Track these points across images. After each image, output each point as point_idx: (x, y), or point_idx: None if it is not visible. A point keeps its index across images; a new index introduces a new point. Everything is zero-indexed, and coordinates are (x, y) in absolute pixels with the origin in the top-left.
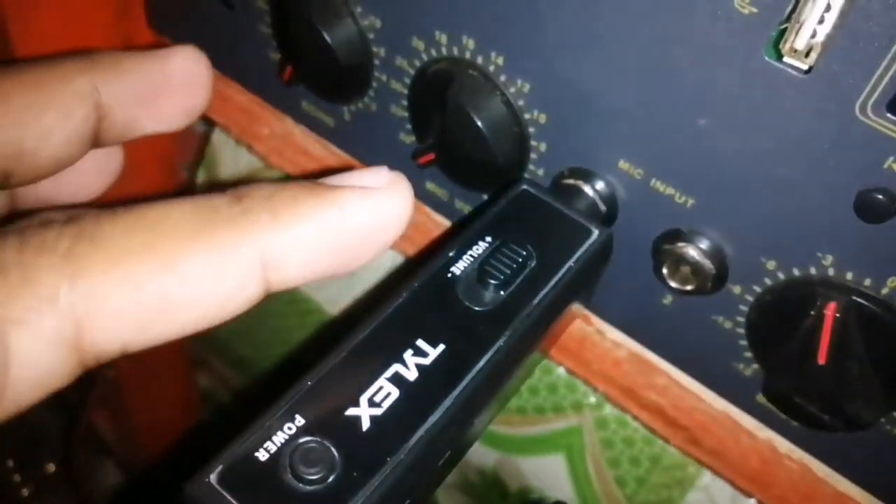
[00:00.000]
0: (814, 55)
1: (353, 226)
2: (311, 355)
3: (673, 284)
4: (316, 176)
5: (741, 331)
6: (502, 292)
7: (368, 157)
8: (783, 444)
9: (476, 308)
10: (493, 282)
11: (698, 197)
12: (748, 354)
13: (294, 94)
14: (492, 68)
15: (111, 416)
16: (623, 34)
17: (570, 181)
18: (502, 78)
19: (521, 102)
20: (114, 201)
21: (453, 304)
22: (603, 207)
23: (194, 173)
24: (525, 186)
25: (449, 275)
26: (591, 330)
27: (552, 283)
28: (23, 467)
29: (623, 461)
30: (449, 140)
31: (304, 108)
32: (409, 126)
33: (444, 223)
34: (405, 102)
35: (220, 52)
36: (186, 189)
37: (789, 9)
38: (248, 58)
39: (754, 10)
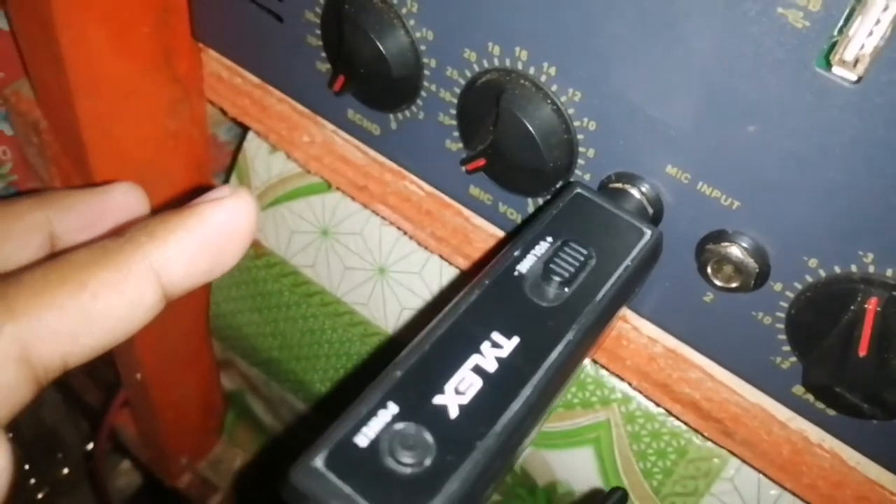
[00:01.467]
0: (862, 66)
1: (213, 229)
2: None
3: (717, 283)
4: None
5: (781, 326)
6: (566, 289)
7: (414, 163)
8: (815, 434)
9: (544, 304)
10: (557, 279)
11: (744, 199)
12: (786, 348)
13: (340, 103)
14: (543, 78)
15: (135, 419)
16: (677, 46)
17: (618, 185)
18: (554, 87)
19: (571, 111)
20: (152, 210)
21: (522, 300)
22: (650, 209)
23: (226, 181)
24: (579, 190)
25: (516, 273)
26: (627, 327)
27: (612, 280)
28: (38, 470)
29: (650, 454)
30: (500, 147)
31: (349, 117)
32: (455, 134)
33: (484, 226)
34: (454, 111)
35: (265, 62)
36: None
37: (840, 23)
38: (295, 68)
39: (807, 23)
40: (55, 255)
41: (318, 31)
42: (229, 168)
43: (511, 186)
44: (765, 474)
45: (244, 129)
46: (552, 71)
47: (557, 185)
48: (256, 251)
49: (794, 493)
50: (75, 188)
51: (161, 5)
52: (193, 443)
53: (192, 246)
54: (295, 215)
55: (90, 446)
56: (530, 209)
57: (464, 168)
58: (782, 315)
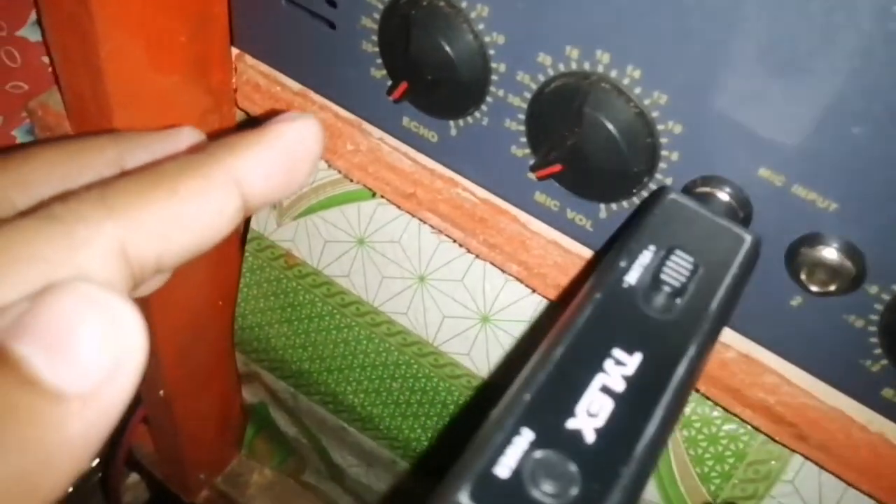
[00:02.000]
0: None
1: (287, 146)
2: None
3: (813, 288)
4: None
5: (873, 328)
6: (678, 300)
7: (474, 170)
8: None
9: (659, 317)
10: (668, 290)
11: (843, 201)
12: (878, 351)
13: (395, 110)
14: (626, 81)
15: (153, 436)
16: (776, 46)
17: (705, 189)
18: (637, 90)
19: (655, 114)
20: None
21: (636, 313)
22: (740, 213)
23: None
24: (673, 195)
25: (625, 285)
26: None
27: (722, 290)
28: None
29: (707, 459)
30: (579, 152)
31: (404, 125)
32: (522, 139)
33: (543, 232)
34: (522, 116)
35: (311, 69)
36: None
37: None
38: (346, 75)
39: None
40: None
41: (375, 38)
42: None
43: (584, 192)
44: (841, 478)
45: None
46: (636, 74)
47: (634, 191)
48: (288, 261)
49: (872, 496)
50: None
51: (199, 13)
52: (211, 458)
53: (268, 160)
54: (329, 224)
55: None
56: (602, 215)
57: (533, 175)
58: (875, 318)
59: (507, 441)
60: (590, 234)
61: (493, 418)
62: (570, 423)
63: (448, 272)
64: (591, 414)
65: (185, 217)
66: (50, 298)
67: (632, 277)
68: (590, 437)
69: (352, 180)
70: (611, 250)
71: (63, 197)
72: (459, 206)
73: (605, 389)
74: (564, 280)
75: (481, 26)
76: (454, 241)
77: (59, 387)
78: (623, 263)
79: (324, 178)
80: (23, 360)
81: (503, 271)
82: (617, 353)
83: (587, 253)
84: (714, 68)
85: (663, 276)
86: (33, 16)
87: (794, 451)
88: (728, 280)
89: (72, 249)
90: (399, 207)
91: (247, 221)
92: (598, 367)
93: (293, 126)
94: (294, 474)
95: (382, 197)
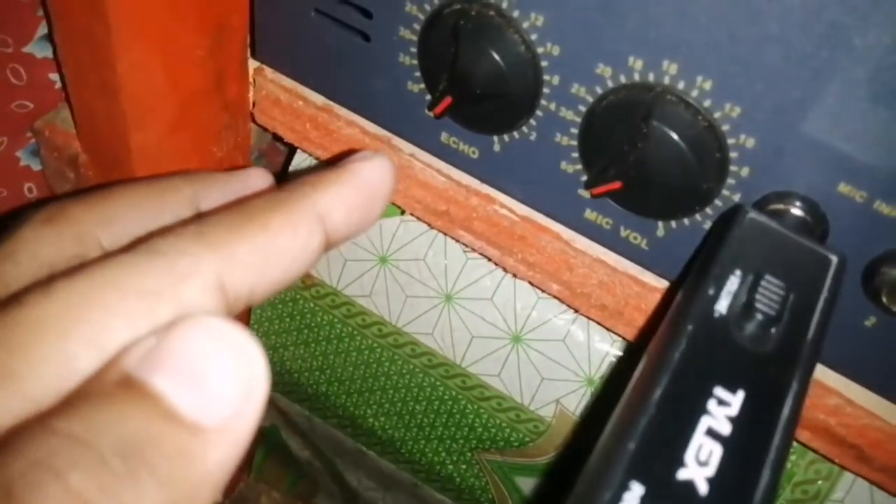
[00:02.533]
0: None
1: (365, 183)
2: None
3: (894, 308)
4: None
5: None
6: (773, 329)
7: (519, 187)
8: None
9: (757, 349)
10: (761, 318)
11: None
12: None
13: (434, 125)
14: (695, 93)
15: None
16: (860, 56)
17: (779, 206)
18: (707, 103)
19: (726, 127)
20: None
21: (731, 345)
22: (817, 230)
23: None
24: (752, 214)
25: (716, 315)
26: None
27: (816, 315)
28: None
29: None
30: (641, 168)
31: (442, 140)
32: (574, 155)
33: (588, 250)
34: (575, 131)
35: (341, 82)
36: None
37: None
38: (380, 89)
39: None
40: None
41: (414, 50)
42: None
43: (643, 209)
44: None
45: (289, 152)
46: (707, 85)
47: (697, 207)
48: (305, 281)
49: None
50: (216, 171)
51: (216, 25)
52: None
53: (349, 197)
54: (349, 242)
55: None
56: (660, 233)
57: (586, 192)
58: None
59: (616, 498)
60: (645, 254)
61: (594, 469)
62: (681, 474)
63: (476, 290)
64: (700, 462)
65: (276, 251)
66: (181, 333)
67: (722, 306)
68: (703, 488)
69: None
70: (689, 276)
71: (161, 233)
72: (497, 224)
73: (712, 433)
74: (610, 299)
75: (534, 36)
76: (489, 259)
77: (199, 419)
78: (711, 291)
79: None
80: (162, 395)
81: (542, 290)
82: (719, 391)
83: (634, 271)
84: (791, 79)
85: (758, 305)
86: (41, 30)
87: (856, 474)
88: (820, 305)
89: (176, 282)
90: (430, 226)
91: None
92: (703, 409)
93: (371, 164)
94: (305, 498)
95: (412, 215)
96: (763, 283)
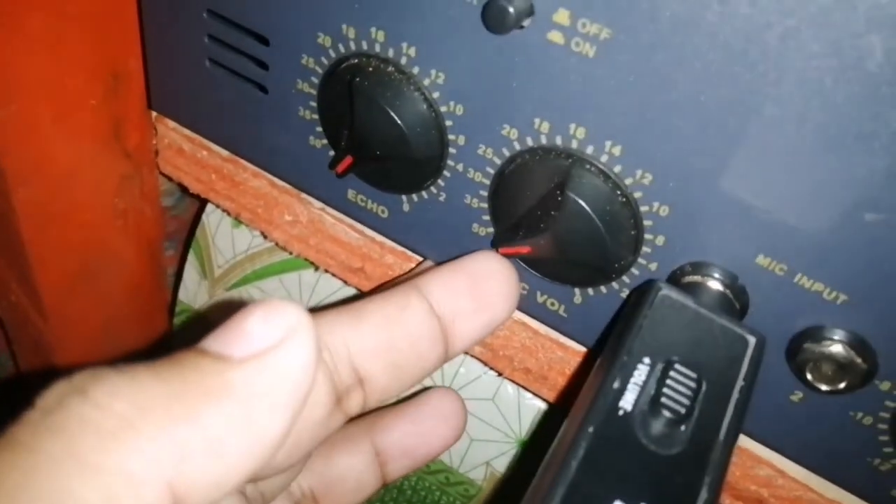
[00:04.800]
0: None
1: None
2: None
3: (820, 386)
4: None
5: (884, 426)
6: (683, 427)
7: (430, 248)
8: None
9: (663, 452)
10: (670, 416)
11: (853, 292)
12: (888, 450)
13: (339, 183)
14: (605, 158)
15: None
16: (777, 121)
17: (695, 277)
18: (617, 169)
19: (638, 194)
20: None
21: (637, 449)
22: (736, 304)
23: (182, 252)
24: (665, 291)
25: (620, 412)
26: None
27: (730, 409)
28: None
29: None
30: (553, 236)
31: (349, 198)
32: (485, 217)
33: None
34: (484, 193)
35: (241, 136)
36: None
37: None
38: (281, 143)
39: None
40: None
41: (314, 104)
42: (185, 240)
43: (556, 277)
44: None
45: (202, 200)
46: (616, 151)
47: (613, 276)
48: None
49: None
50: (394, 405)
51: (110, 72)
52: None
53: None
54: (266, 296)
55: None
56: (577, 300)
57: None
58: (887, 415)
59: None
60: (564, 320)
61: None
62: None
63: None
64: None
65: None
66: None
67: (627, 402)
68: None
69: (290, 253)
70: (599, 359)
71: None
72: None
73: None
74: (533, 363)
75: (437, 94)
76: None
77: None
78: (616, 384)
79: (260, 245)
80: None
81: (465, 352)
82: None
83: (556, 334)
84: (703, 146)
85: (665, 401)
86: None
87: None
88: (735, 395)
89: (324, 358)
90: (346, 283)
91: (173, 291)
92: None
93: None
94: None
95: (327, 271)
96: (673, 373)
